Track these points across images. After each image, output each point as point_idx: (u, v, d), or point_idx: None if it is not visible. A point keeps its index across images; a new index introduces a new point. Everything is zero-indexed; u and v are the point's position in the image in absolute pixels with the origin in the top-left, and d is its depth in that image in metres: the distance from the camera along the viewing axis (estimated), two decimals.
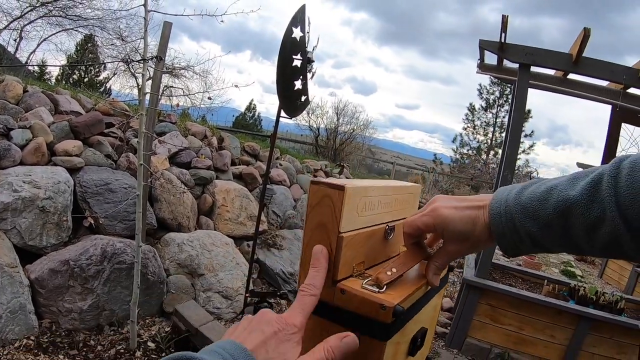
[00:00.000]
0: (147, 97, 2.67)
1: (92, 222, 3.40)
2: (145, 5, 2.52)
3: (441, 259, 0.63)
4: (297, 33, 2.20)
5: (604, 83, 4.11)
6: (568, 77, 4.09)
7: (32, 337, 2.80)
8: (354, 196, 0.57)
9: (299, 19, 2.23)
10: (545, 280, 4.58)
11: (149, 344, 3.06)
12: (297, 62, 2.20)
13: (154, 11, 2.77)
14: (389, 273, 0.58)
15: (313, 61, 2.27)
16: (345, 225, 0.56)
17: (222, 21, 2.64)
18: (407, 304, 0.57)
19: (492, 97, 23.01)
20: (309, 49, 2.26)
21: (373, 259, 0.67)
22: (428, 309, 0.72)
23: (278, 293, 1.81)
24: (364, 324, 0.54)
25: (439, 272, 0.64)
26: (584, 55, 3.45)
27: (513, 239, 0.55)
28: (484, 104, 23.29)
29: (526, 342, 3.86)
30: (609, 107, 4.47)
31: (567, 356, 3.75)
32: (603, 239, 0.47)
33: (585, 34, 3.29)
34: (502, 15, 3.42)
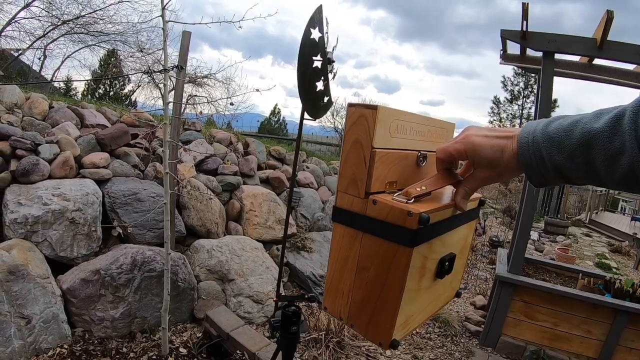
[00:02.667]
0: (170, 106, 2.70)
1: (122, 231, 3.45)
2: (163, 16, 2.54)
3: (470, 184, 0.67)
4: (315, 34, 2.18)
5: (630, 67, 3.97)
6: (594, 62, 3.97)
7: (66, 346, 2.86)
8: (386, 116, 0.63)
9: (316, 19, 2.21)
10: (580, 274, 4.45)
11: (181, 349, 3.09)
12: (317, 63, 2.18)
13: (172, 21, 2.80)
14: (418, 189, 0.64)
15: (333, 61, 2.24)
16: (378, 141, 0.63)
17: (240, 27, 2.65)
18: (434, 218, 0.61)
19: (516, 88, 22.62)
20: (329, 49, 2.24)
21: (404, 182, 0.71)
22: (457, 235, 0.77)
23: (306, 296, 1.79)
24: (393, 232, 0.60)
25: (467, 197, 0.68)
26: (608, 39, 3.34)
27: (539, 168, 0.58)
28: (508, 96, 22.92)
29: (562, 339, 3.75)
30: (638, 91, 4.32)
31: (604, 352, 3.63)
32: (622, 170, 0.49)
33: (609, 17, 3.18)
34: (522, 3, 3.34)
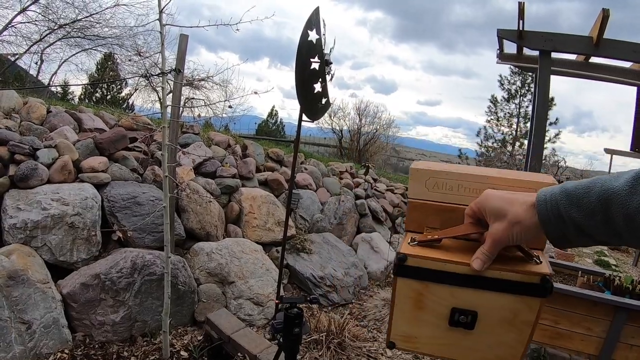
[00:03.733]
0: (169, 109, 2.70)
1: (121, 235, 3.45)
2: (160, 19, 2.54)
3: (487, 244, 0.66)
4: (312, 36, 2.20)
5: (627, 64, 3.99)
6: (590, 60, 3.98)
7: (66, 351, 2.85)
8: (420, 174, 0.81)
9: (313, 21, 2.22)
10: (579, 272, 4.46)
11: (182, 353, 3.09)
12: (315, 65, 2.19)
13: (170, 25, 2.81)
14: (429, 236, 0.76)
15: (331, 63, 2.26)
16: (412, 193, 0.82)
17: (237, 30, 2.65)
18: (427, 265, 0.72)
19: (513, 87, 22.56)
20: (326, 51, 2.25)
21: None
22: (489, 299, 0.72)
23: (308, 298, 1.80)
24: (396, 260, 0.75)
25: (483, 257, 0.67)
26: (604, 37, 3.35)
27: (559, 225, 0.57)
28: (506, 95, 22.86)
29: (563, 337, 3.75)
30: (635, 88, 4.34)
31: (605, 349, 3.63)
32: None
33: (605, 15, 3.19)
34: (519, 2, 3.36)
